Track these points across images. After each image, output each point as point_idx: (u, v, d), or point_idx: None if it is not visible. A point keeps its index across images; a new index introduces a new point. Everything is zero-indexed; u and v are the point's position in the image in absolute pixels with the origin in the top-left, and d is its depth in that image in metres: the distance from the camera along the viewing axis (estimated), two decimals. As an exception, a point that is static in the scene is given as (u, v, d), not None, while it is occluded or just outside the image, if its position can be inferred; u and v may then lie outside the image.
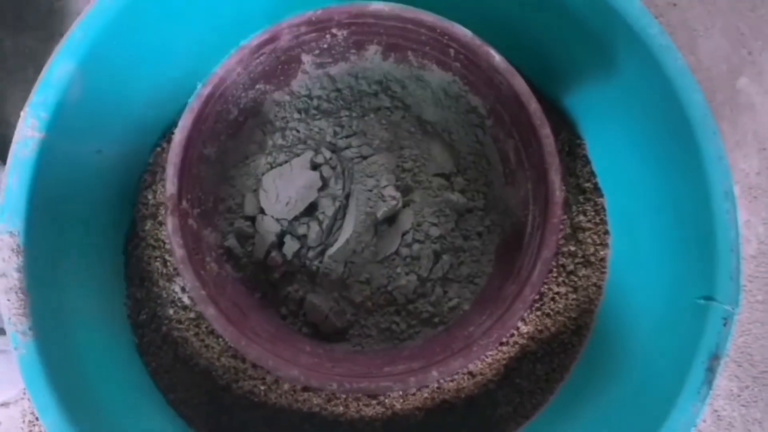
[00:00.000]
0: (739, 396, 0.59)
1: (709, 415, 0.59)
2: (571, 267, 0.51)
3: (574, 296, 0.50)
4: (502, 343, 0.48)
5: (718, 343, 0.41)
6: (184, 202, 0.40)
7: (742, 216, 0.61)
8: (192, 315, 0.48)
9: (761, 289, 0.61)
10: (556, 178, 0.39)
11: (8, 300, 0.40)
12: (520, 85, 0.40)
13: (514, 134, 0.43)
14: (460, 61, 0.44)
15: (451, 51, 0.43)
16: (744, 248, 0.60)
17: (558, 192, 0.39)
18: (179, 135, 0.40)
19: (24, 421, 0.56)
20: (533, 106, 0.40)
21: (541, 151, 0.40)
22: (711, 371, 0.41)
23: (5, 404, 0.56)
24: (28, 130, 0.42)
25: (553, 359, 0.50)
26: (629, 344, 0.47)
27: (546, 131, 0.39)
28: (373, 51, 0.46)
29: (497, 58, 0.41)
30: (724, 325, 0.41)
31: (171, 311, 0.49)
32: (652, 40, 0.44)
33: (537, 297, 0.49)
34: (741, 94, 0.63)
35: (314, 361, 0.38)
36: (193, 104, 0.41)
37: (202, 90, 0.41)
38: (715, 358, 0.41)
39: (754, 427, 0.59)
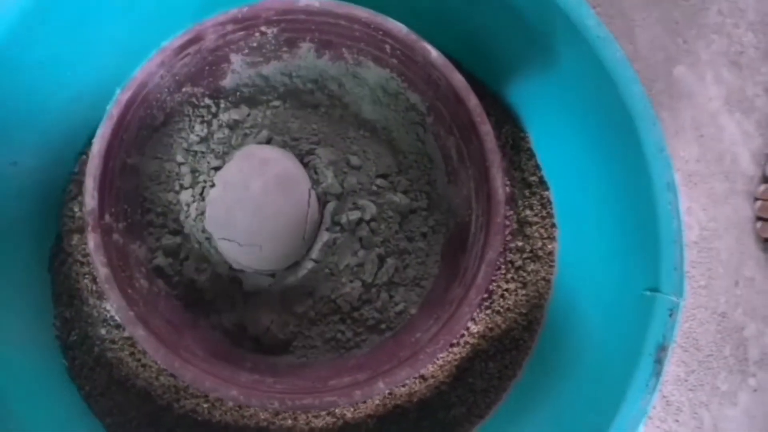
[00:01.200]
0: (686, 381, 0.60)
1: (658, 401, 0.60)
2: (520, 262, 0.50)
3: (524, 292, 0.50)
4: (452, 345, 0.47)
5: (664, 334, 0.41)
6: (107, 217, 0.38)
7: (683, 203, 0.63)
8: (126, 334, 0.46)
9: (704, 275, 0.62)
10: (498, 176, 0.38)
11: None
12: (458, 81, 0.39)
13: (455, 131, 0.42)
14: (397, 57, 0.42)
15: (387, 47, 0.42)
16: (686, 235, 0.62)
17: (500, 190, 0.38)
18: (98, 145, 0.37)
19: (-53, 456, 0.52)
20: (472, 102, 0.39)
21: (482, 148, 0.39)
22: (659, 363, 0.41)
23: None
24: (-73, 143, 0.38)
25: (505, 356, 0.50)
26: (579, 338, 0.47)
27: (486, 128, 0.38)
28: (306, 48, 0.44)
29: (434, 53, 0.40)
30: (670, 315, 0.41)
31: (103, 331, 0.46)
32: (590, 32, 0.43)
33: (486, 295, 0.48)
34: (679, 82, 0.64)
35: (254, 378, 0.36)
36: (112, 111, 0.38)
37: (121, 95, 0.38)
38: (662, 349, 0.41)
39: (701, 410, 0.60)
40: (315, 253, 0.42)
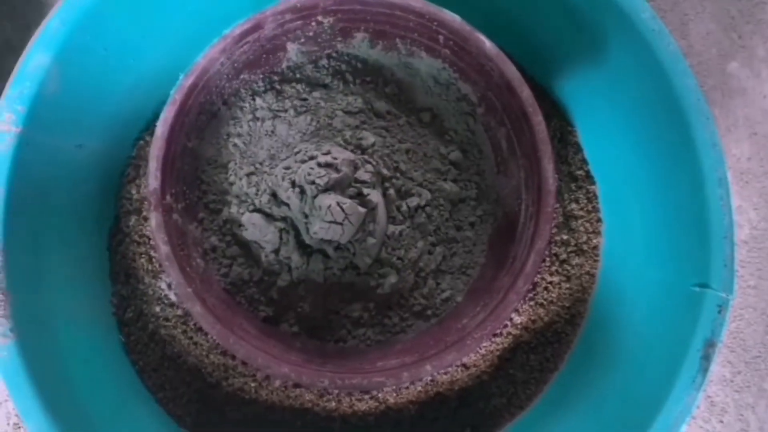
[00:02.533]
0: (732, 381, 0.59)
1: (702, 401, 0.59)
2: (564, 256, 0.50)
3: (568, 285, 0.50)
4: (495, 335, 0.48)
5: (713, 330, 0.41)
6: (167, 197, 0.39)
7: (734, 201, 0.61)
8: (179, 312, 0.47)
9: (753, 275, 0.61)
10: (549, 166, 0.38)
11: (-10, 301, 0.39)
12: (511, 71, 0.40)
13: (506, 122, 0.42)
14: (450, 48, 0.43)
15: (441, 38, 0.42)
16: (736, 234, 0.61)
17: (551, 180, 0.38)
18: (161, 128, 0.39)
19: (9, 423, 0.55)
20: (525, 92, 0.39)
21: (534, 139, 0.39)
22: (706, 359, 0.41)
23: (-11, 406, 0.55)
24: (4, 124, 0.40)
25: (547, 349, 0.50)
26: (624, 333, 0.47)
27: (538, 118, 0.39)
28: (360, 38, 0.45)
29: (488, 44, 0.40)
30: (719, 312, 0.41)
31: (157, 308, 0.48)
32: (644, 25, 0.43)
33: (530, 287, 0.48)
34: (732, 79, 0.63)
35: (304, 358, 0.37)
36: (176, 96, 0.40)
37: (185, 81, 0.40)
38: (710, 345, 0.41)
39: (747, 412, 0.59)
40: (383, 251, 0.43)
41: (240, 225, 0.43)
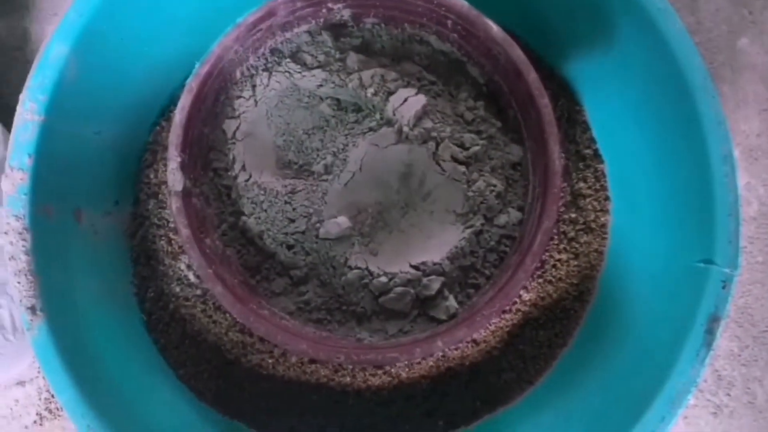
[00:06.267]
0: (739, 356, 0.60)
1: (709, 375, 0.60)
2: (572, 234, 0.51)
3: (576, 263, 0.51)
4: (504, 311, 0.49)
5: (717, 305, 0.41)
6: (187, 182, 0.41)
7: (742, 178, 0.62)
8: (198, 292, 0.49)
9: (762, 251, 0.61)
10: (555, 147, 0.39)
11: (18, 282, 0.41)
12: (518, 55, 0.40)
13: (513, 104, 0.43)
14: (458, 32, 0.44)
15: (449, 22, 0.43)
16: (744, 210, 0.61)
17: (557, 161, 0.39)
18: (179, 115, 0.40)
19: (40, 398, 0.57)
20: (532, 76, 0.40)
21: (540, 121, 0.40)
22: (710, 333, 0.41)
23: (21, 383, 0.57)
24: (28, 113, 0.42)
25: (556, 325, 0.51)
26: (631, 308, 0.48)
27: (545, 101, 0.40)
28: (370, 24, 0.46)
29: (495, 29, 0.41)
30: (723, 287, 0.42)
31: (178, 288, 0.50)
32: (650, 3, 0.44)
33: (539, 264, 0.49)
34: (741, 55, 0.63)
35: (321, 335, 0.39)
36: (192, 84, 0.41)
37: (200, 69, 0.41)
38: (714, 320, 0.41)
39: (754, 386, 0.60)
40: None
41: (243, 215, 0.45)
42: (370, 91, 0.44)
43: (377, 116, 0.44)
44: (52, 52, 0.43)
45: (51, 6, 0.65)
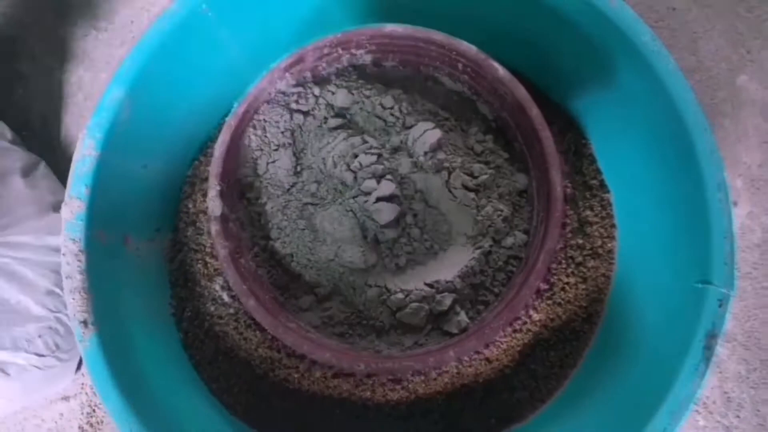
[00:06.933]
0: (747, 378, 0.62)
1: (719, 397, 0.61)
2: (580, 259, 0.53)
3: (584, 286, 0.53)
4: (515, 330, 0.51)
5: (714, 323, 0.44)
6: (224, 208, 0.45)
7: (745, 207, 0.64)
8: (231, 311, 0.53)
9: (767, 276, 0.63)
10: (556, 175, 0.43)
11: (73, 299, 0.46)
12: (522, 94, 0.45)
13: (519, 138, 0.47)
14: (468, 74, 0.48)
15: (460, 65, 0.48)
16: (748, 237, 0.64)
17: (558, 188, 0.43)
18: (220, 149, 0.45)
19: (82, 413, 0.62)
20: (534, 111, 0.44)
21: (543, 152, 0.44)
22: (708, 349, 0.44)
23: (65, 398, 0.62)
24: (86, 149, 0.47)
25: (566, 346, 0.53)
26: (636, 329, 0.50)
27: (546, 134, 0.44)
28: (389, 66, 0.51)
29: (501, 71, 0.45)
30: (720, 306, 0.44)
31: (212, 308, 0.54)
32: (644, 47, 0.47)
33: (547, 287, 0.52)
34: (741, 91, 0.66)
35: (343, 347, 0.43)
36: (231, 121, 0.46)
37: (238, 108, 0.46)
38: (712, 336, 0.44)
39: (764, 408, 0.61)
40: None
41: (270, 239, 0.49)
42: (392, 111, 0.48)
43: (394, 138, 0.48)
44: (109, 96, 0.48)
45: (103, 57, 0.71)
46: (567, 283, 0.53)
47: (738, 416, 0.61)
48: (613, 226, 0.55)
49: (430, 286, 0.45)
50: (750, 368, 0.62)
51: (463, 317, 0.44)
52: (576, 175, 0.57)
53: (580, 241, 0.54)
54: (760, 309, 0.63)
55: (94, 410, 0.61)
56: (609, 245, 0.55)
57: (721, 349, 0.61)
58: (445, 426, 0.52)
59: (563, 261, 0.53)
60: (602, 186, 0.56)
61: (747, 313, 0.63)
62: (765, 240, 0.64)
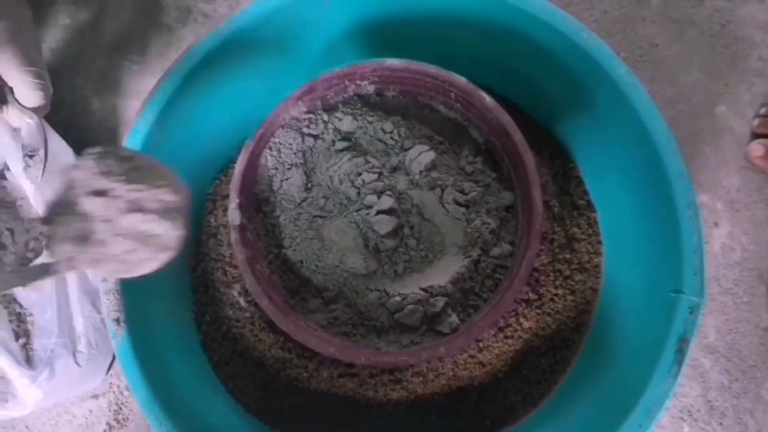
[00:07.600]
0: (730, 388, 0.65)
1: (703, 405, 0.65)
2: (568, 272, 0.57)
3: (572, 298, 0.57)
4: (507, 336, 0.55)
5: (686, 328, 0.48)
6: (243, 219, 0.51)
7: (725, 227, 0.68)
8: (247, 314, 0.58)
9: (747, 292, 0.67)
10: (536, 192, 0.48)
11: (107, 299, 0.51)
12: (506, 120, 0.50)
13: (505, 158, 0.53)
14: (460, 102, 0.54)
15: (452, 94, 0.54)
16: (729, 256, 0.68)
17: (539, 203, 0.48)
18: (239, 167, 0.51)
19: (110, 410, 0.67)
20: (518, 136, 0.50)
21: (525, 172, 0.49)
22: (680, 352, 0.47)
23: (95, 396, 0.67)
24: (122, 169, 0.53)
25: (556, 354, 0.57)
26: (619, 337, 0.54)
27: (528, 156, 0.49)
28: (390, 96, 0.57)
29: (488, 99, 0.51)
30: (690, 313, 0.48)
31: (230, 312, 0.59)
32: (620, 79, 0.52)
33: (536, 297, 0.56)
34: (720, 120, 0.71)
35: (346, 344, 0.48)
36: (249, 143, 0.52)
37: (256, 132, 0.52)
38: (684, 340, 0.47)
39: (745, 416, 0.64)
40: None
41: (283, 247, 0.54)
42: (392, 135, 0.54)
43: (393, 159, 0.54)
44: (142, 121, 0.54)
45: (135, 86, 0.78)
46: (556, 295, 0.57)
47: (721, 424, 0.64)
48: (599, 242, 0.60)
49: (425, 290, 0.50)
50: (732, 378, 0.65)
51: (454, 318, 0.49)
52: (564, 196, 0.61)
53: (568, 256, 0.58)
54: (740, 323, 0.66)
55: (120, 408, 0.67)
56: (596, 260, 0.59)
57: (704, 360, 0.65)
58: (443, 426, 0.56)
59: (551, 274, 0.57)
60: (589, 206, 0.61)
61: (729, 327, 0.67)
62: (744, 258, 0.68)
